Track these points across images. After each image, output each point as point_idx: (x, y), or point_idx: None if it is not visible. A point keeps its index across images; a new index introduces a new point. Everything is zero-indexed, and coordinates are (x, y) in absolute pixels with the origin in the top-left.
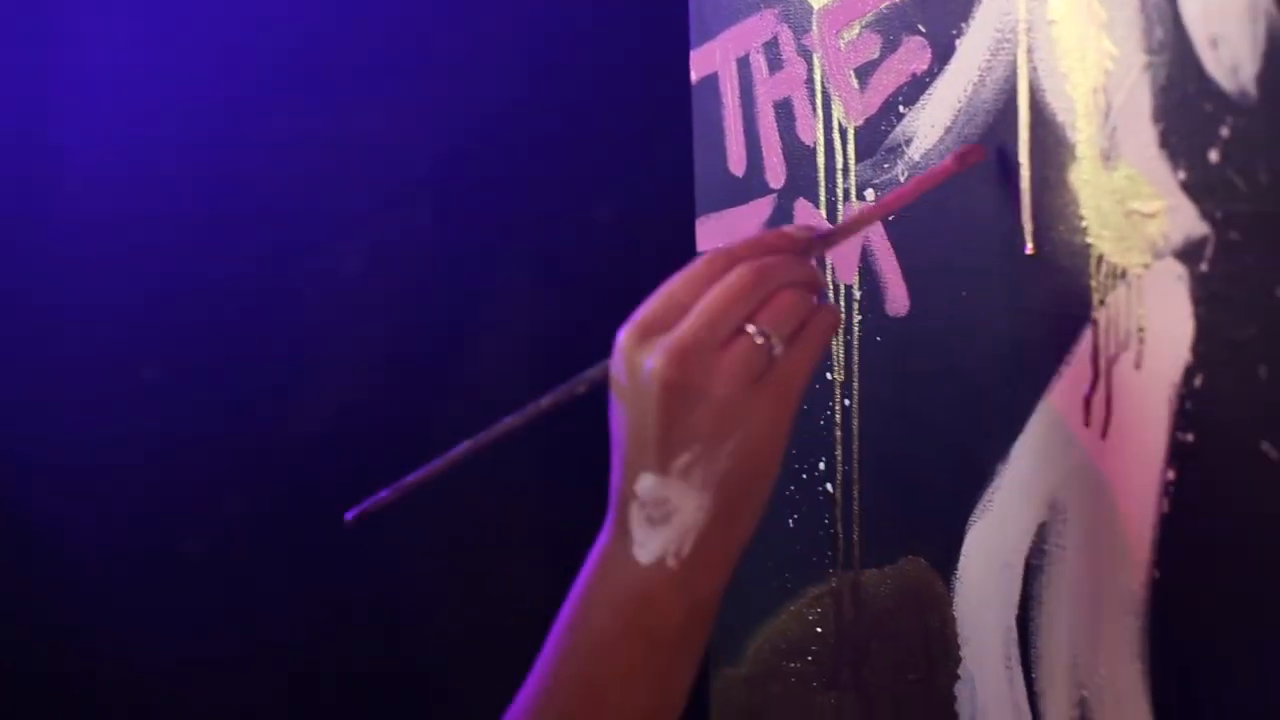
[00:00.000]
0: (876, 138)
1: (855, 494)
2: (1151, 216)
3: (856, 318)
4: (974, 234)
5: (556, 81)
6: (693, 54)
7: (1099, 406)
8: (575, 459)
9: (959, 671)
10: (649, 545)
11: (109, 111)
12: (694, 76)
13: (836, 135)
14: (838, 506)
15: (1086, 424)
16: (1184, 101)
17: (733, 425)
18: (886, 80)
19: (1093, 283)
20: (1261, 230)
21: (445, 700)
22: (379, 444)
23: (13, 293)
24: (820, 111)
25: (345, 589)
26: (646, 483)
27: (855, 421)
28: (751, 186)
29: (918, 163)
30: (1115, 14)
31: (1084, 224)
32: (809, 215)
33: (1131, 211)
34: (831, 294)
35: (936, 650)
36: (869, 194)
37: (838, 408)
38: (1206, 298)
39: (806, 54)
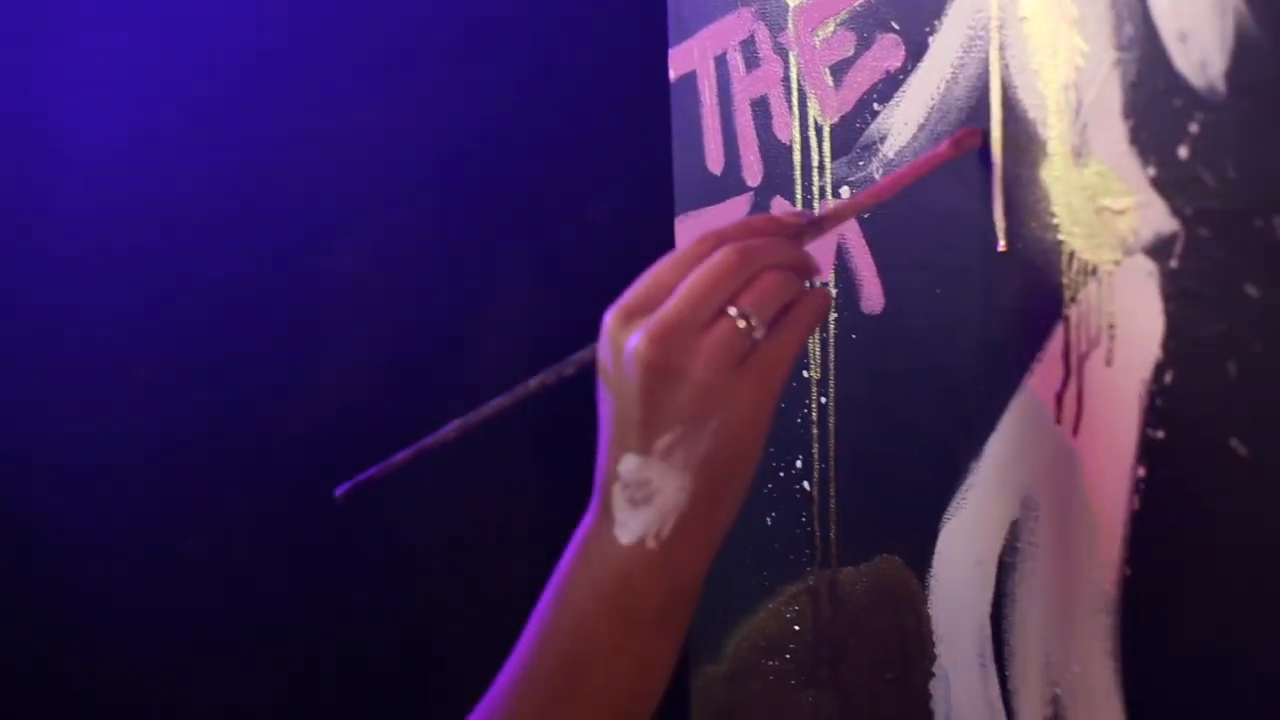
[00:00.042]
0: (852, 135)
1: (832, 492)
2: (1122, 213)
3: (833, 315)
4: (948, 231)
5: (536, 80)
6: (671, 52)
7: (1071, 403)
8: (575, 459)
9: (934, 669)
10: (630, 526)
11: (108, 111)
12: (672, 75)
13: (812, 133)
14: (815, 504)
15: (1059, 421)
16: (1154, 98)
17: (714, 407)
18: (861, 78)
19: (1064, 279)
20: (1230, 227)
21: (445, 700)
22: (378, 443)
23: (12, 293)
24: (796, 109)
25: (345, 589)
26: (629, 463)
27: (832, 419)
28: (729, 184)
29: (892, 160)
30: (1086, 10)
31: (1055, 221)
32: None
33: (1102, 208)
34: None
35: (912, 648)
36: (844, 191)
37: (814, 405)
38: (1176, 294)
39: (783, 52)
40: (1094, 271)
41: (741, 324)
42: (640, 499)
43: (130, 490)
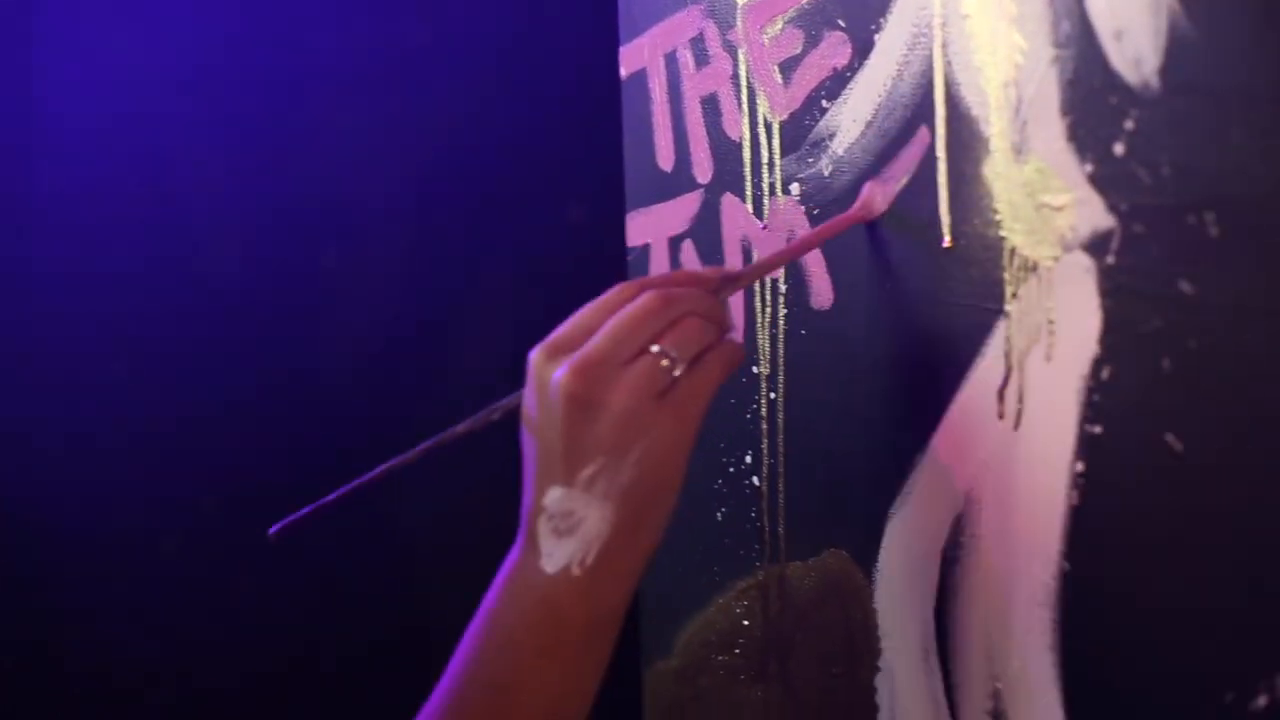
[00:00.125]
0: (801, 132)
1: (781, 487)
2: (1060, 210)
3: (782, 311)
4: (896, 227)
5: (487, 78)
6: (622, 50)
7: (1012, 399)
8: None
9: (879, 664)
10: (555, 556)
11: (107, 111)
12: (623, 72)
13: (762, 130)
14: (764, 499)
15: (1001, 416)
16: (1090, 95)
17: (634, 437)
18: (809, 75)
19: (1006, 275)
20: (1165, 223)
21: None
22: (376, 443)
23: (11, 293)
24: (746, 106)
25: (345, 589)
26: (554, 495)
27: (781, 415)
28: (680, 181)
29: (841, 156)
30: (1025, 8)
31: (997, 217)
32: (736, 210)
33: (1042, 204)
34: (760, 294)
35: (859, 642)
36: (794, 188)
37: (764, 401)
38: (1113, 290)
39: (732, 49)
40: (1034, 268)
41: (664, 362)
42: (565, 529)
43: (130, 489)
